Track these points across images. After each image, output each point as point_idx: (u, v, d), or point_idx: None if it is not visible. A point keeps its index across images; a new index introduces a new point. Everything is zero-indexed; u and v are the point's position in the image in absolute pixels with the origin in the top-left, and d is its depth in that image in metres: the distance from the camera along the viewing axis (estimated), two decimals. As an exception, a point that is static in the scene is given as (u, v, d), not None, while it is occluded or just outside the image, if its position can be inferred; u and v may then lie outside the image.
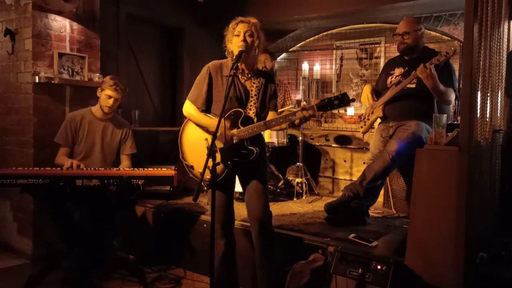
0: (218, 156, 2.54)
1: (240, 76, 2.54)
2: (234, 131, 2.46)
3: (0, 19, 3.81)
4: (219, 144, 2.46)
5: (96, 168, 3.11)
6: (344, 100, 2.16)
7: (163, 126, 5.12)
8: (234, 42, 2.45)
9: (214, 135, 2.22)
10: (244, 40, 2.42)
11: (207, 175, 2.42)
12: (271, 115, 2.57)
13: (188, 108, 2.60)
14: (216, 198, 2.49)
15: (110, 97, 3.31)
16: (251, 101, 2.49)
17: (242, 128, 2.44)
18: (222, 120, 2.26)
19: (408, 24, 3.33)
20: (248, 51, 2.42)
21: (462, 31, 3.93)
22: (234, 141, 2.47)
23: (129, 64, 4.77)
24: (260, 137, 2.61)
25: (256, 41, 2.45)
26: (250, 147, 2.45)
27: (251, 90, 2.50)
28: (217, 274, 2.62)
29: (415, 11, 4.26)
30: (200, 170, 2.52)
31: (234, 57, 2.41)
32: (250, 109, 2.48)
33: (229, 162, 2.47)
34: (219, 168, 2.45)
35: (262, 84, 2.52)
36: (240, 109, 2.46)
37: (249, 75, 2.54)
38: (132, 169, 3.14)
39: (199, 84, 2.57)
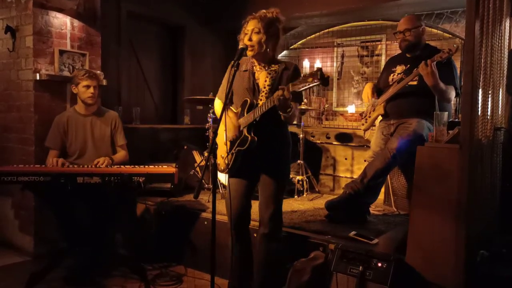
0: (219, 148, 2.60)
1: (254, 68, 2.56)
2: (241, 120, 2.49)
3: (1, 16, 3.81)
4: (231, 135, 2.54)
5: (97, 166, 3.12)
6: (317, 76, 2.07)
7: (164, 123, 5.13)
8: (245, 43, 2.47)
9: (215, 131, 2.26)
10: (250, 39, 2.44)
11: (222, 165, 2.57)
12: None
13: (215, 103, 2.75)
14: (231, 188, 2.54)
15: (88, 86, 3.31)
16: (263, 91, 2.49)
17: (245, 115, 2.46)
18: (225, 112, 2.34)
19: (408, 21, 3.32)
20: (255, 50, 2.44)
21: (463, 29, 3.90)
22: (240, 130, 2.50)
23: (130, 62, 4.77)
24: (278, 135, 2.54)
25: (264, 37, 2.43)
26: (246, 134, 2.43)
27: (265, 81, 2.50)
28: (231, 271, 2.64)
29: (416, 9, 4.25)
30: (219, 162, 2.60)
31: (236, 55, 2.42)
32: (261, 100, 2.47)
33: (233, 151, 2.48)
34: (228, 158, 2.52)
35: (278, 73, 2.51)
36: (247, 99, 2.48)
37: (266, 67, 2.54)
38: (133, 166, 3.14)
39: (224, 80, 2.67)
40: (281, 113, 2.35)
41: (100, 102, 3.81)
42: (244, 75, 2.55)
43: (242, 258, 2.62)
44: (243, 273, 2.63)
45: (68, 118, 3.39)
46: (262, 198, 2.54)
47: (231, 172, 2.55)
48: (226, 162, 2.53)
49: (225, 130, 2.53)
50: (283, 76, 2.50)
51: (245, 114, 2.46)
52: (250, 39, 2.44)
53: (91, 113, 3.43)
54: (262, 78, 2.52)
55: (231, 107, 2.61)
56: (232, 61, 2.38)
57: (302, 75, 2.18)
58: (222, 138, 2.57)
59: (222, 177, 3.83)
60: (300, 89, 2.17)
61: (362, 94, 3.64)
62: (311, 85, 2.11)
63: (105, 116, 3.47)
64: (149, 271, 3.28)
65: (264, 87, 2.49)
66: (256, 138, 2.41)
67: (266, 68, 2.53)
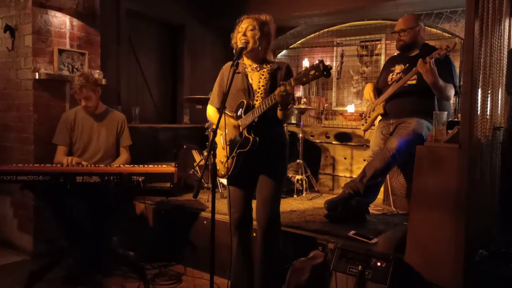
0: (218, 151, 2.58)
1: (247, 70, 2.56)
2: (239, 121, 2.49)
3: (0, 15, 3.81)
4: (231, 136, 2.53)
5: (97, 165, 3.12)
6: (319, 69, 2.09)
7: (164, 123, 5.13)
8: (238, 39, 2.48)
9: (214, 131, 2.26)
10: (244, 34, 2.45)
11: (222, 171, 2.55)
12: None
13: (208, 109, 2.72)
14: (231, 194, 2.53)
15: (80, 100, 3.33)
16: (258, 92, 2.49)
17: (243, 117, 2.46)
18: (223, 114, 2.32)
19: (405, 22, 3.34)
20: (250, 46, 2.45)
21: (463, 28, 3.92)
22: (239, 132, 2.50)
23: (129, 61, 4.77)
24: (275, 135, 2.55)
25: (258, 34, 2.45)
26: (247, 135, 2.43)
27: (259, 82, 2.51)
28: (232, 272, 2.63)
29: (416, 8, 4.26)
30: (218, 168, 2.58)
31: (235, 54, 2.42)
32: (257, 100, 2.47)
33: (234, 154, 2.48)
34: (229, 162, 2.51)
35: (271, 74, 2.52)
36: (243, 100, 2.47)
37: (258, 68, 2.54)
38: (132, 165, 3.13)
39: (215, 85, 2.67)
40: (280, 110, 2.36)
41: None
42: (237, 77, 2.54)
43: (242, 258, 2.62)
44: (244, 273, 2.63)
45: (76, 115, 3.41)
46: (260, 198, 2.53)
47: (231, 177, 2.54)
48: (227, 166, 2.52)
49: (225, 134, 2.53)
50: (277, 76, 2.51)
51: (243, 115, 2.46)
52: (244, 34, 2.45)
53: (98, 113, 3.44)
54: (256, 79, 2.53)
55: (225, 111, 2.58)
56: (224, 66, 2.39)
57: (304, 68, 2.18)
58: (220, 143, 2.57)
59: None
60: (304, 82, 2.18)
61: (364, 94, 3.64)
62: (314, 77, 2.12)
63: (112, 118, 3.49)
64: (149, 270, 3.28)
65: (259, 88, 2.49)
66: (257, 139, 2.42)
67: (258, 69, 2.54)
